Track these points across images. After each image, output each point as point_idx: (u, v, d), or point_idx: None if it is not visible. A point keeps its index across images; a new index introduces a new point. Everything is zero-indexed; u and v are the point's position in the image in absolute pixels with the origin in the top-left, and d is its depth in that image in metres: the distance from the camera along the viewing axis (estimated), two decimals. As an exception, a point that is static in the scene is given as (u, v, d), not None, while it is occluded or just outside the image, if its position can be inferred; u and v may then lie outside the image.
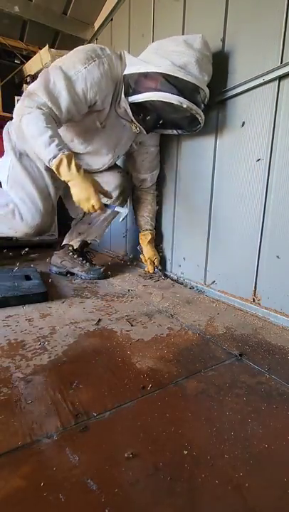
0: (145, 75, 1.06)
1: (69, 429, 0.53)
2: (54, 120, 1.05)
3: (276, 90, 0.95)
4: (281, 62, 0.92)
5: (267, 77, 0.96)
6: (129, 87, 1.10)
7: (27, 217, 1.15)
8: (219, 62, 1.14)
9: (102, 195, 1.11)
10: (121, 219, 1.24)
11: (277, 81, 0.94)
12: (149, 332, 0.92)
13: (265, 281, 1.06)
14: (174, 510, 0.40)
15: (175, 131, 1.28)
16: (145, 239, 1.54)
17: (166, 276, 1.54)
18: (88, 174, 1.09)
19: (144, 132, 1.25)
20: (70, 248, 1.52)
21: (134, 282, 1.45)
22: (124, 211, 1.20)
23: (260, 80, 0.98)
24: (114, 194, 1.42)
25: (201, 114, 1.10)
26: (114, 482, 0.43)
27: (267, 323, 1.00)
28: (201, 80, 1.05)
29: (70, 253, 1.50)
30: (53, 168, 1.04)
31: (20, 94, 1.88)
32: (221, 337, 0.90)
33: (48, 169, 1.17)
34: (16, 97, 2.11)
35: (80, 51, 1.07)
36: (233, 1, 1.08)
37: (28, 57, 2.34)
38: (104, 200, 1.14)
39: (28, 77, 2.27)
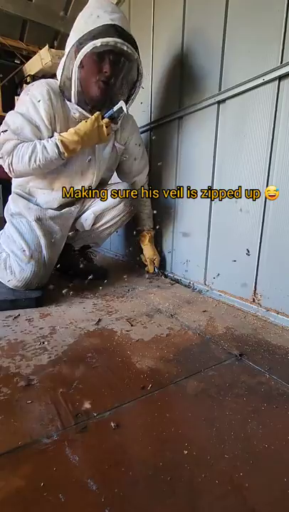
0: (67, 64, 1.09)
1: (69, 429, 0.53)
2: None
3: (276, 90, 0.95)
4: (281, 62, 0.92)
5: (267, 77, 0.96)
6: (67, 90, 1.12)
7: (16, 270, 1.12)
8: (219, 62, 1.14)
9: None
10: (125, 109, 1.14)
11: (277, 81, 0.94)
12: (149, 332, 0.92)
13: (265, 282, 1.06)
14: (174, 510, 0.40)
15: (129, 102, 1.23)
16: (144, 239, 1.54)
17: (166, 276, 1.53)
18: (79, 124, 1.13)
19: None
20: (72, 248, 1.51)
21: (134, 282, 1.45)
22: (119, 104, 1.13)
23: (260, 80, 0.98)
24: (117, 206, 1.39)
25: (128, 45, 1.05)
26: (114, 482, 0.43)
27: (267, 323, 1.00)
28: (113, 19, 1.03)
29: (71, 252, 1.49)
30: (68, 154, 1.11)
31: (20, 94, 1.88)
32: (221, 337, 0.90)
33: (38, 220, 1.19)
34: (16, 97, 2.11)
35: (23, 91, 1.20)
36: (233, 1, 1.08)
37: (28, 57, 2.34)
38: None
39: (28, 77, 2.27)
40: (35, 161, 1.10)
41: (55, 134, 1.12)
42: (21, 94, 1.19)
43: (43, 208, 1.24)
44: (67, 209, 1.29)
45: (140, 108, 1.58)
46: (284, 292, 0.99)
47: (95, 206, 1.39)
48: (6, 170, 1.16)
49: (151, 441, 0.51)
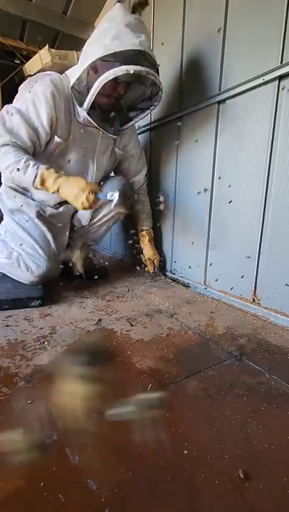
0: (87, 73, 1.05)
1: (69, 429, 0.53)
2: (23, 150, 1.09)
3: (276, 90, 0.95)
4: (281, 62, 0.92)
5: (267, 77, 0.96)
6: (80, 95, 1.09)
7: (32, 267, 1.13)
8: (219, 62, 1.14)
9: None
10: (113, 205, 1.15)
11: (277, 81, 0.94)
12: (149, 332, 0.92)
13: (265, 282, 1.06)
14: (174, 510, 0.40)
15: (142, 116, 1.24)
16: (144, 239, 1.54)
17: (166, 276, 1.53)
18: (73, 176, 1.08)
19: (114, 136, 1.25)
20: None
21: (134, 282, 1.45)
22: (115, 195, 1.13)
23: (260, 80, 0.98)
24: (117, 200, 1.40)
25: (154, 73, 1.05)
26: (114, 482, 0.43)
27: (267, 323, 1.00)
28: (137, 43, 1.00)
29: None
30: (39, 187, 1.05)
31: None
32: (221, 337, 0.90)
33: (40, 216, 1.18)
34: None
35: (23, 84, 1.15)
36: (233, 0, 1.08)
37: (28, 57, 2.34)
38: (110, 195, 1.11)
39: (28, 77, 2.26)
40: (10, 172, 1.06)
41: (41, 166, 1.04)
42: (23, 87, 1.14)
43: (40, 204, 1.22)
44: (64, 207, 1.29)
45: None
46: (284, 292, 0.99)
47: None
48: None
49: (151, 441, 0.51)
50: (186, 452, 0.49)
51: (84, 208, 1.06)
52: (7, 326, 0.93)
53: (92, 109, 1.11)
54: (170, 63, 1.41)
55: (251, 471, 0.46)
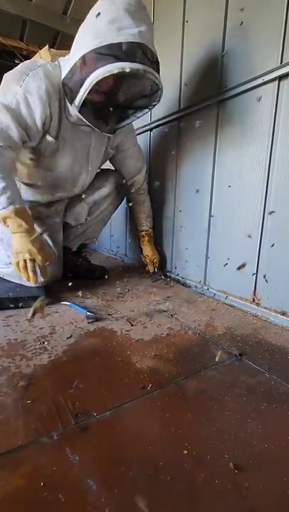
0: (79, 67, 0.93)
1: (69, 429, 0.53)
2: (11, 156, 1.00)
3: (276, 90, 0.95)
4: (281, 62, 0.92)
5: (267, 77, 0.96)
6: (71, 92, 0.98)
7: (37, 271, 1.07)
8: (219, 62, 1.14)
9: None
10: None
11: (277, 81, 0.94)
12: (149, 332, 0.92)
13: (265, 282, 1.06)
14: (174, 510, 0.40)
15: (139, 114, 1.15)
16: (144, 239, 1.54)
17: (166, 276, 1.53)
18: (38, 240, 1.03)
19: (109, 134, 1.16)
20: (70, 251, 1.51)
21: (134, 282, 1.45)
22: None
23: (260, 80, 0.98)
24: (111, 194, 1.41)
25: (153, 71, 0.93)
26: (114, 482, 0.43)
27: (267, 323, 1.00)
28: (136, 34, 0.88)
29: (70, 255, 1.49)
30: (0, 217, 0.99)
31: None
32: (221, 337, 0.90)
33: (36, 218, 1.14)
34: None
35: (11, 74, 1.01)
36: (233, 1, 1.08)
37: (28, 57, 2.34)
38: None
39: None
40: None
41: (11, 207, 0.97)
42: (10, 78, 1.00)
43: (31, 204, 1.20)
44: (57, 205, 1.29)
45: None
46: (284, 292, 0.99)
47: (87, 198, 1.39)
48: None
49: (151, 441, 0.51)
50: (186, 452, 0.49)
51: (14, 265, 1.02)
52: (7, 325, 0.93)
53: (85, 107, 1.01)
54: (170, 63, 1.41)
55: (251, 470, 0.46)
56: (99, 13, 0.90)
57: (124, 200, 1.61)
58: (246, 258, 1.11)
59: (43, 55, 2.12)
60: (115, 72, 0.89)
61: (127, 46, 0.88)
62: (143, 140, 1.66)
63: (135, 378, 0.68)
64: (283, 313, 0.99)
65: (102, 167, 1.42)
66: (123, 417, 0.56)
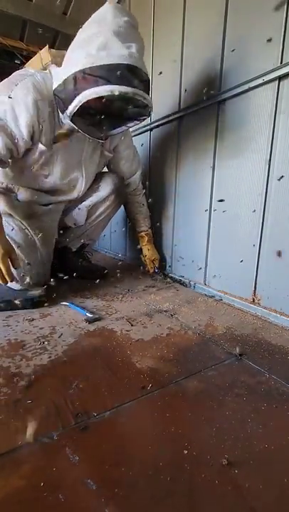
0: (69, 81, 0.94)
1: (69, 429, 0.53)
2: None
3: (276, 90, 0.95)
4: (281, 62, 0.92)
5: (267, 77, 0.96)
6: (62, 103, 0.99)
7: (16, 276, 1.06)
8: (219, 62, 1.14)
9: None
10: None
11: (277, 81, 0.94)
12: (149, 332, 0.92)
13: (265, 281, 1.05)
14: (174, 510, 0.40)
15: (130, 124, 1.16)
16: (143, 239, 1.54)
17: (166, 276, 1.53)
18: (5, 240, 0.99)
19: (100, 141, 1.17)
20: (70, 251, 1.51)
21: (134, 282, 1.45)
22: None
23: (260, 80, 0.98)
24: (110, 196, 1.41)
25: (142, 93, 0.94)
26: (114, 482, 0.43)
27: (267, 323, 1.00)
28: (126, 55, 0.89)
29: (70, 255, 1.49)
30: None
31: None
32: (221, 337, 0.90)
33: (27, 218, 1.14)
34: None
35: (1, 84, 1.02)
36: (233, 0, 1.08)
37: (28, 58, 2.34)
38: None
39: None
40: None
41: None
42: (1, 85, 1.01)
43: (28, 202, 1.20)
44: (53, 205, 1.28)
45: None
46: (284, 292, 0.99)
47: (86, 200, 1.39)
48: None
49: (151, 441, 0.51)
50: (186, 452, 0.49)
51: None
52: (7, 325, 0.93)
53: (77, 115, 1.01)
54: (170, 63, 1.41)
55: (251, 471, 0.46)
56: (91, 33, 0.92)
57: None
58: (246, 258, 1.11)
59: (43, 55, 2.13)
60: (104, 94, 0.91)
61: (117, 68, 0.89)
62: (143, 140, 1.66)
63: (135, 378, 0.68)
64: (283, 313, 0.99)
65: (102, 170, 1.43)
66: (123, 417, 0.56)
